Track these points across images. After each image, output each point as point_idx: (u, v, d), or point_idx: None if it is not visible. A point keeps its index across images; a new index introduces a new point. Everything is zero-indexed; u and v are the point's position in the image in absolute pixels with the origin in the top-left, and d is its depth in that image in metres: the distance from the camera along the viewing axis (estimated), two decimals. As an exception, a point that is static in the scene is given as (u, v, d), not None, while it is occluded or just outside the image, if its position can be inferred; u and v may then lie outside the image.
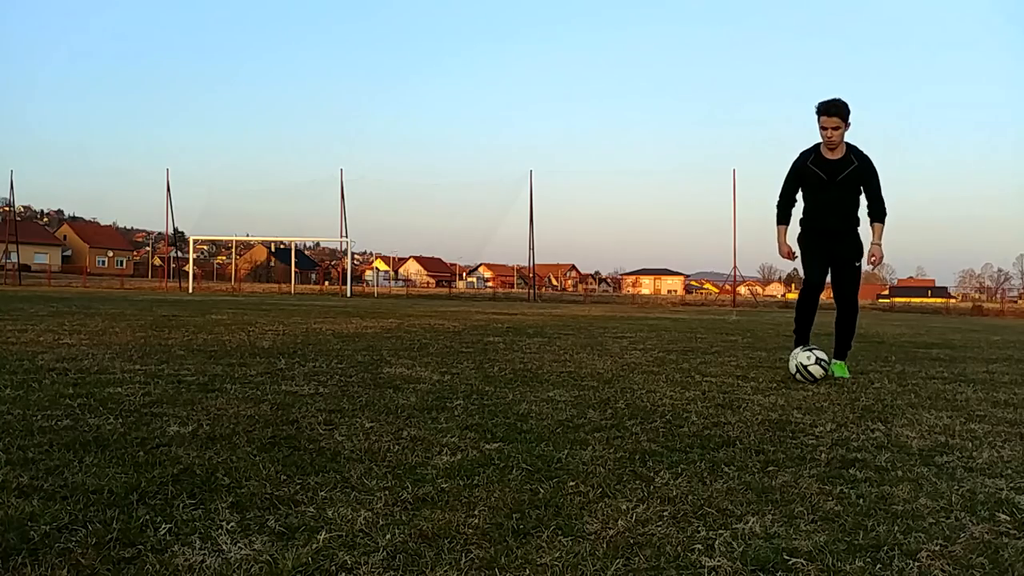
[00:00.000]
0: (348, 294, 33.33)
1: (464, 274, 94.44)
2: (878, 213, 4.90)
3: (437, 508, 1.91)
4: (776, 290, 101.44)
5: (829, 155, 4.83)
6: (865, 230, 4.96)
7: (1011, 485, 2.30)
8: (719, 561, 1.62)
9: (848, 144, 4.85)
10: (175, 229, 42.78)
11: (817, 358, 4.59)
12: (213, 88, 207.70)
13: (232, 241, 52.06)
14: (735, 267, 31.77)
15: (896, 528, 1.86)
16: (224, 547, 1.61)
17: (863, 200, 5.03)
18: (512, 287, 74.91)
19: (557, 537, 1.73)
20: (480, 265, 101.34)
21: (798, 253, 5.06)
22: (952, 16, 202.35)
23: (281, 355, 5.37)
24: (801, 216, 5.06)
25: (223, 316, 10.81)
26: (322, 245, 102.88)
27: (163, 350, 5.50)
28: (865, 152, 4.89)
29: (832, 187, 4.83)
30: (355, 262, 70.00)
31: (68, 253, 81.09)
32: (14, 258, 40.03)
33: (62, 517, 1.73)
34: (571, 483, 2.18)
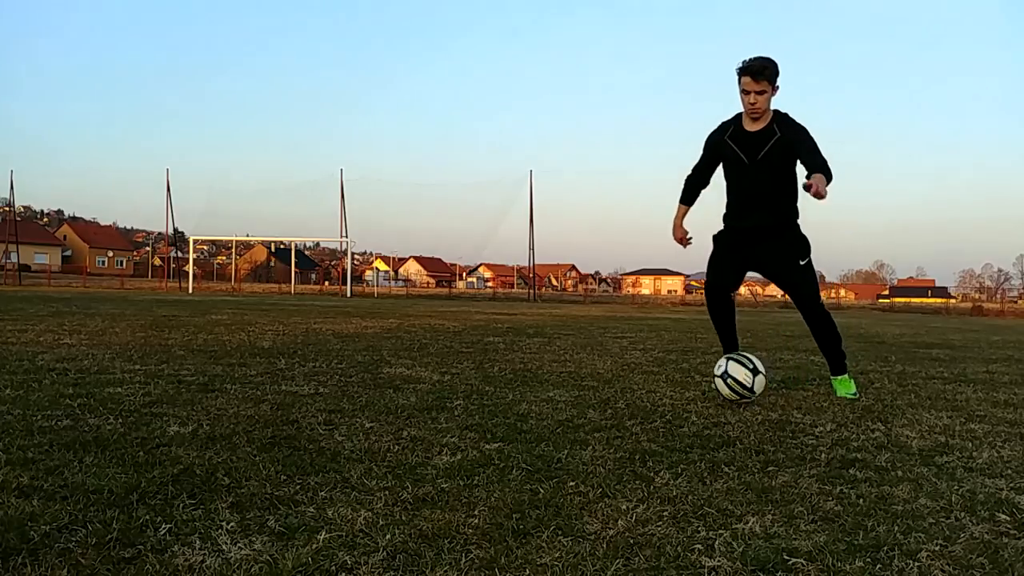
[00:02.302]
0: (348, 294, 33.33)
1: (464, 274, 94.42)
2: (820, 167, 3.74)
3: (437, 508, 1.91)
4: (776, 290, 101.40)
5: (750, 127, 3.87)
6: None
7: (1011, 485, 2.30)
8: (719, 561, 1.62)
9: (774, 111, 3.87)
10: (175, 229, 42.80)
11: (753, 368, 3.66)
12: (213, 88, 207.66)
13: (232, 241, 52.06)
14: (735, 267, 31.71)
15: (896, 528, 1.86)
16: (224, 547, 1.61)
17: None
18: (512, 287, 74.90)
19: (557, 537, 1.73)
20: (480, 265, 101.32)
21: (692, 238, 4.20)
22: (952, 14, 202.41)
23: (281, 355, 5.37)
24: (724, 212, 4.12)
25: (223, 316, 10.81)
26: (322, 245, 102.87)
27: (163, 350, 5.50)
28: (794, 119, 3.88)
29: (752, 169, 3.86)
30: (355, 262, 69.99)
31: (68, 253, 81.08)
32: (14, 258, 40.03)
33: (62, 517, 1.73)
34: (571, 483, 2.18)
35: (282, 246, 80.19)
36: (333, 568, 1.53)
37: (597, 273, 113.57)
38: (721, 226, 4.12)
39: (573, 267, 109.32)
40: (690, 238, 4.18)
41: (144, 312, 11.30)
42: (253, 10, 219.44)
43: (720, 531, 1.80)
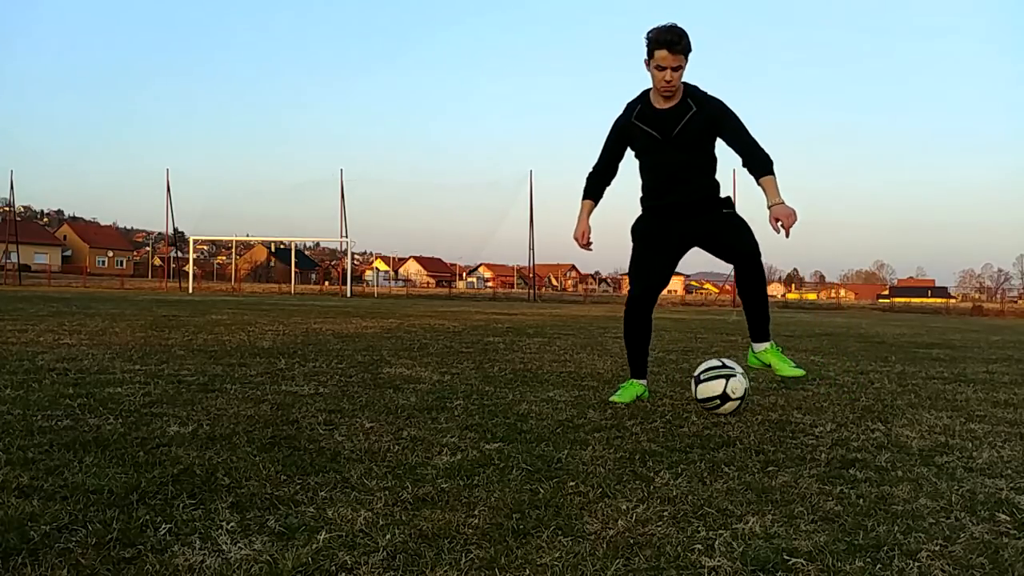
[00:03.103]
0: (348, 294, 33.33)
1: (464, 274, 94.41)
2: (759, 164, 3.40)
3: (437, 508, 1.91)
4: (776, 290, 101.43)
5: (661, 104, 3.43)
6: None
7: (1011, 485, 2.30)
8: (719, 561, 1.62)
9: (686, 85, 3.43)
10: (175, 229, 42.79)
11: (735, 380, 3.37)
12: (213, 88, 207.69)
13: (232, 241, 52.06)
14: (735, 267, 31.71)
15: (896, 528, 1.86)
16: (224, 547, 1.61)
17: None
18: (512, 287, 74.87)
19: (557, 537, 1.73)
20: (480, 265, 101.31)
21: (594, 242, 3.70)
22: (953, 13, 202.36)
23: (281, 355, 5.37)
24: (640, 195, 3.68)
25: (223, 316, 10.81)
26: (322, 245, 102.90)
27: (163, 350, 5.50)
28: (707, 91, 3.49)
29: (668, 146, 3.43)
30: (355, 262, 69.99)
31: (68, 253, 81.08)
32: (14, 258, 40.02)
33: (62, 517, 1.73)
34: (571, 483, 2.18)
35: (282, 246, 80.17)
36: (333, 568, 1.53)
37: (597, 273, 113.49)
38: (634, 222, 3.71)
39: (573, 267, 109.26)
40: (591, 244, 3.66)
41: (144, 312, 11.30)
42: (253, 10, 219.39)
43: (720, 531, 1.80)
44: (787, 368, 3.57)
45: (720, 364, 3.45)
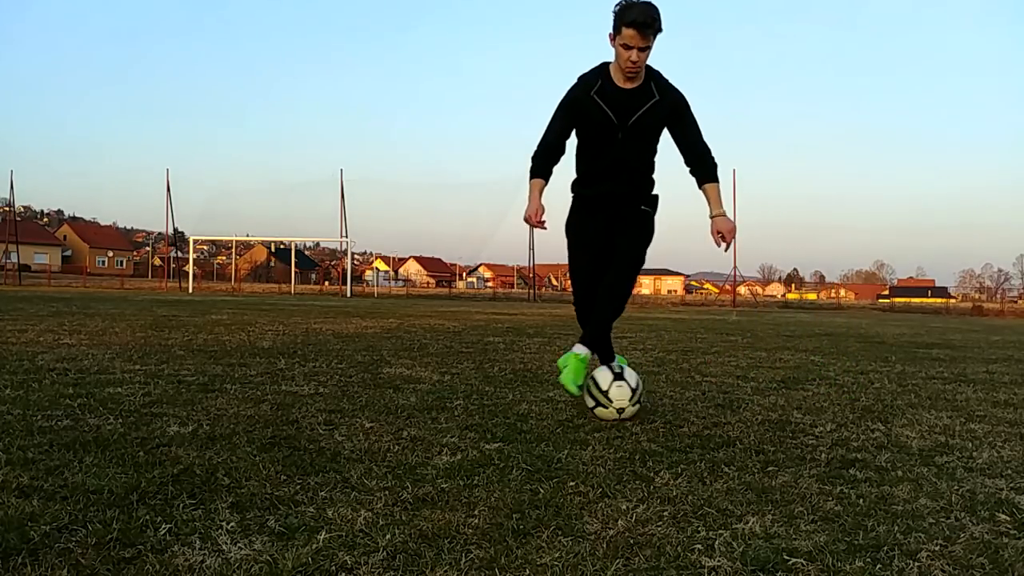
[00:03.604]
0: (348, 294, 33.32)
1: (464, 274, 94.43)
2: (706, 169, 3.25)
3: (437, 508, 1.91)
4: (776, 290, 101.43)
5: (623, 83, 3.16)
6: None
7: (1011, 485, 2.30)
8: (719, 561, 1.62)
9: (649, 69, 3.17)
10: (175, 229, 42.80)
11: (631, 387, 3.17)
12: (213, 88, 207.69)
13: (232, 241, 52.07)
14: (735, 267, 31.78)
15: (896, 528, 1.86)
16: (224, 547, 1.61)
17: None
18: (512, 287, 74.89)
19: (557, 537, 1.73)
20: (480, 265, 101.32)
21: (547, 220, 3.29)
22: (954, 12, 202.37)
23: (281, 355, 5.37)
24: (574, 179, 3.42)
25: (223, 316, 10.81)
26: (322, 245, 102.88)
27: (163, 350, 5.50)
28: (669, 80, 3.23)
29: (622, 133, 3.18)
30: (355, 262, 69.98)
31: (68, 253, 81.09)
32: (14, 258, 40.01)
33: (62, 517, 1.73)
34: (571, 483, 2.18)
35: (282, 246, 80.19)
36: (333, 568, 1.53)
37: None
38: (568, 217, 3.45)
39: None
40: (544, 221, 3.27)
41: (144, 312, 11.30)
42: (253, 11, 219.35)
43: (720, 531, 1.80)
44: (571, 382, 3.20)
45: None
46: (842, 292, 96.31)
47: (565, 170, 3.39)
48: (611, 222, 3.32)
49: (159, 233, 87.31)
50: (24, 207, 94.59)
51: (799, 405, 3.75)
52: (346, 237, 36.23)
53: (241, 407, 3.20)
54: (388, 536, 1.69)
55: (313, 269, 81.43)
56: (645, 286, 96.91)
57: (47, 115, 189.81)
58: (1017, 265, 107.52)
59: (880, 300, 55.71)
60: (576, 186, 3.40)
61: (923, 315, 27.52)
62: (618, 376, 3.17)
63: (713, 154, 3.28)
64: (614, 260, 3.28)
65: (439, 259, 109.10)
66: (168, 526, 1.71)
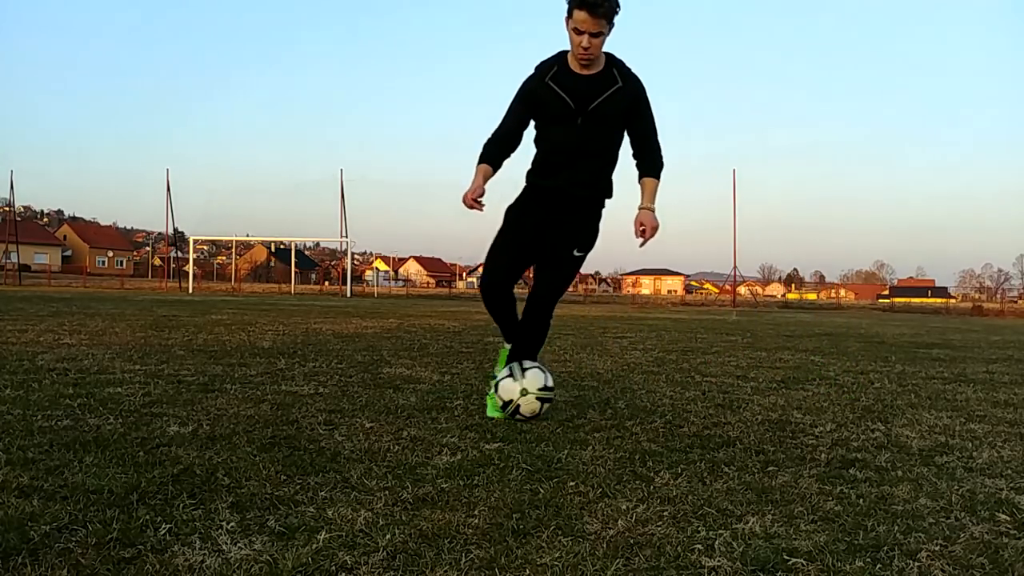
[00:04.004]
0: (348, 294, 33.32)
1: (464, 274, 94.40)
2: (653, 163, 3.17)
3: (437, 508, 1.91)
4: (776, 290, 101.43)
5: (580, 70, 3.06)
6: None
7: (1011, 485, 2.30)
8: (719, 561, 1.62)
9: (608, 55, 3.09)
10: (175, 229, 42.79)
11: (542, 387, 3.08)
12: (213, 88, 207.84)
13: (232, 241, 52.07)
14: (735, 267, 31.78)
15: (896, 528, 1.86)
16: (224, 547, 1.61)
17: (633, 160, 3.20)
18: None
19: (557, 537, 1.73)
20: (480, 265, 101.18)
21: (486, 204, 3.12)
22: (954, 10, 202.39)
23: (281, 355, 5.37)
24: (532, 162, 3.25)
25: (223, 316, 10.81)
26: (322, 245, 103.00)
27: (163, 350, 5.50)
28: (631, 68, 3.13)
29: (581, 120, 3.06)
30: (355, 262, 69.94)
31: (68, 253, 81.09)
32: (14, 258, 40.01)
33: (62, 517, 1.73)
34: (571, 483, 2.18)
35: (282, 246, 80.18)
36: (333, 568, 1.53)
37: (597, 273, 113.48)
38: (514, 201, 3.30)
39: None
40: (482, 203, 3.09)
41: (144, 312, 11.30)
42: (253, 10, 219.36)
43: (720, 531, 1.80)
44: (492, 404, 3.20)
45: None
46: (842, 292, 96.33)
47: (526, 161, 3.28)
48: (552, 233, 3.18)
49: (159, 233, 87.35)
50: (24, 207, 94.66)
51: (799, 405, 3.75)
52: (346, 237, 36.24)
53: (241, 407, 3.20)
54: (388, 536, 1.69)
55: (313, 269, 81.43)
56: (645, 286, 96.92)
57: (47, 115, 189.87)
58: (1017, 265, 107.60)
59: (880, 300, 55.72)
60: (531, 175, 3.24)
61: (923, 315, 27.52)
62: (507, 375, 3.11)
63: (664, 156, 3.21)
64: (535, 303, 3.21)
65: (439, 259, 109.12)
66: (168, 526, 1.71)
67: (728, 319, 16.35)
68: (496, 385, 3.15)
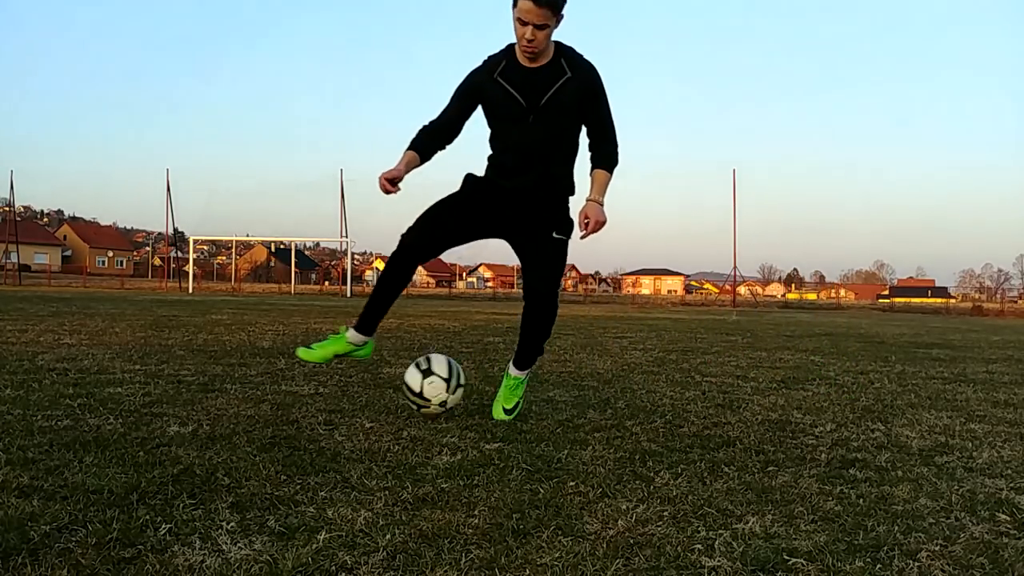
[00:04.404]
0: (348, 294, 33.31)
1: (464, 274, 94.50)
2: (608, 156, 3.02)
3: (437, 508, 1.91)
4: (776, 290, 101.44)
5: (528, 63, 2.89)
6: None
7: (1011, 485, 2.30)
8: (719, 561, 1.62)
9: (558, 45, 2.91)
10: (175, 229, 42.78)
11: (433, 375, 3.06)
12: (213, 87, 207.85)
13: (232, 241, 52.07)
14: (735, 267, 31.78)
15: (896, 528, 1.86)
16: (224, 547, 1.61)
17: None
18: (512, 287, 74.87)
19: (557, 537, 1.73)
20: (480, 265, 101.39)
21: (402, 189, 2.94)
22: (954, 9, 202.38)
23: (281, 355, 5.36)
24: (488, 159, 3.10)
25: (223, 316, 10.81)
26: (322, 245, 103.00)
27: (163, 350, 5.50)
28: (584, 56, 2.98)
29: (532, 116, 2.89)
30: (355, 262, 69.93)
31: (68, 253, 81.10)
32: (14, 258, 40.01)
33: (62, 517, 1.73)
34: (571, 483, 2.18)
35: (282, 246, 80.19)
36: (333, 568, 1.53)
37: (597, 273, 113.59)
38: (472, 175, 3.11)
39: (573, 267, 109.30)
40: (398, 188, 2.91)
41: (144, 312, 11.30)
42: (253, 10, 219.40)
43: (720, 531, 1.80)
44: (498, 406, 3.15)
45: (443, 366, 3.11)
46: (842, 292, 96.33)
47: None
48: (507, 226, 3.06)
49: (159, 233, 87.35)
50: (24, 207, 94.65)
51: (799, 405, 3.75)
52: (346, 237, 36.25)
53: (241, 407, 3.20)
54: (388, 536, 1.69)
55: (313, 269, 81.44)
56: (645, 286, 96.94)
57: (47, 115, 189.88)
58: (1017, 265, 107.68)
59: (880, 300, 55.73)
60: (487, 171, 3.07)
61: (923, 315, 27.51)
62: (426, 373, 3.07)
63: (619, 149, 3.04)
64: (528, 292, 3.04)
65: (439, 259, 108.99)
66: (168, 526, 1.71)
67: (728, 319, 16.35)
68: (408, 384, 3.07)
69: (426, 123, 3.04)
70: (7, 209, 43.54)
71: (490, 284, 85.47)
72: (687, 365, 5.56)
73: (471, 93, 2.98)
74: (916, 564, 1.64)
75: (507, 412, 3.13)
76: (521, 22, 2.74)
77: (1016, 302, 51.16)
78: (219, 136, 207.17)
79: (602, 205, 2.97)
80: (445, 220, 3.02)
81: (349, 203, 35.59)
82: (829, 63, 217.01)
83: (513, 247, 3.13)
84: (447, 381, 3.06)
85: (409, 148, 2.99)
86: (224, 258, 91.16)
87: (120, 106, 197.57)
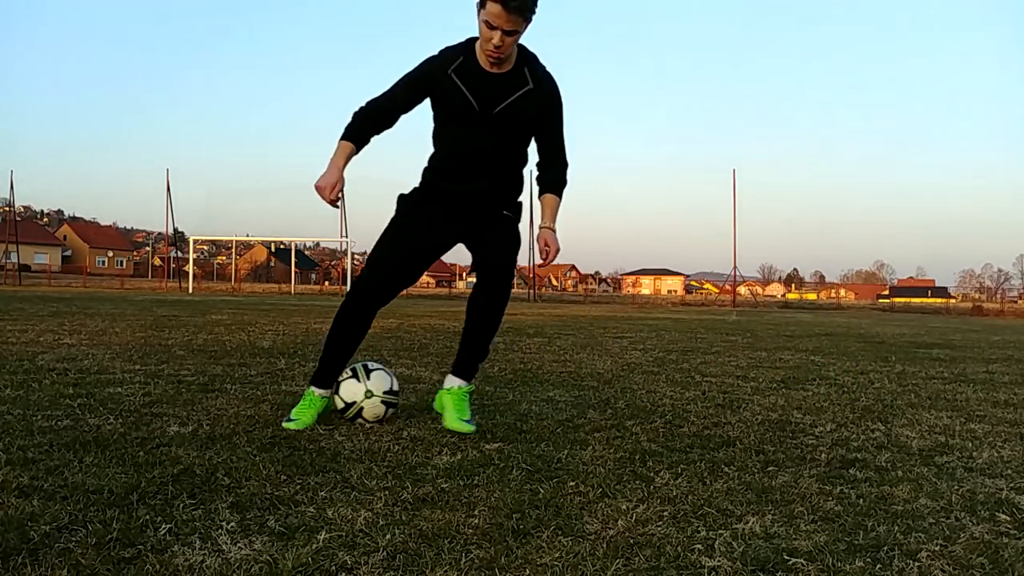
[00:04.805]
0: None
1: (464, 274, 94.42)
2: (558, 179, 2.90)
3: (437, 508, 1.91)
4: (776, 290, 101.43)
5: (488, 67, 2.70)
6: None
7: (1011, 485, 2.30)
8: (719, 561, 1.62)
9: (521, 50, 2.75)
10: (175, 229, 42.80)
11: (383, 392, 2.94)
12: (213, 87, 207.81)
13: (232, 241, 52.08)
14: (735, 267, 31.78)
15: (896, 528, 1.86)
16: (224, 547, 1.61)
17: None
18: (512, 287, 74.81)
19: (557, 537, 1.73)
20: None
21: (343, 198, 2.79)
22: (955, 10, 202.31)
23: (281, 355, 5.36)
24: (429, 161, 2.88)
25: (223, 316, 10.81)
26: (322, 245, 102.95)
27: (163, 350, 5.50)
28: (544, 66, 2.81)
29: (486, 124, 2.71)
30: (355, 262, 69.88)
31: (68, 253, 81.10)
32: (14, 258, 40.01)
33: (62, 517, 1.73)
34: (571, 483, 2.18)
35: (282, 246, 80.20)
36: (333, 568, 1.53)
37: (597, 273, 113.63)
38: (409, 195, 2.90)
39: (573, 267, 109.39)
40: (338, 200, 2.73)
41: (144, 312, 11.30)
42: (254, 10, 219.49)
43: (720, 531, 1.80)
44: (457, 420, 2.82)
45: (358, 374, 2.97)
46: (842, 292, 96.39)
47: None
48: (463, 232, 2.86)
49: (159, 233, 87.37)
50: (24, 207, 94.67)
51: (799, 405, 3.75)
52: (346, 237, 36.25)
53: (241, 407, 3.20)
54: (388, 536, 1.69)
55: (313, 269, 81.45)
56: (645, 286, 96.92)
57: (47, 115, 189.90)
58: (1017, 265, 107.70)
59: (880, 300, 55.74)
60: (431, 175, 2.86)
61: (923, 315, 27.51)
62: (350, 376, 2.96)
63: (568, 167, 2.93)
64: (484, 274, 2.80)
65: (440, 259, 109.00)
66: (168, 526, 1.71)
67: (728, 319, 16.34)
68: (337, 385, 2.94)
69: (364, 106, 2.77)
70: (7, 209, 43.55)
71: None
72: (687, 365, 5.56)
73: (423, 84, 2.74)
74: (916, 564, 1.63)
75: (468, 422, 2.81)
76: (489, 26, 2.55)
77: (1016, 302, 51.17)
78: (220, 136, 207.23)
79: (553, 231, 2.87)
80: (402, 259, 2.82)
81: (349, 203, 35.62)
82: (831, 63, 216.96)
83: (467, 244, 2.90)
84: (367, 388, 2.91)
85: (345, 138, 2.75)
86: (224, 258, 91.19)
87: (120, 105, 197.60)
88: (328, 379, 2.96)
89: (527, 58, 2.75)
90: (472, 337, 2.90)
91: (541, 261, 2.86)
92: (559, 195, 2.91)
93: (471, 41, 2.73)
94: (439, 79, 2.71)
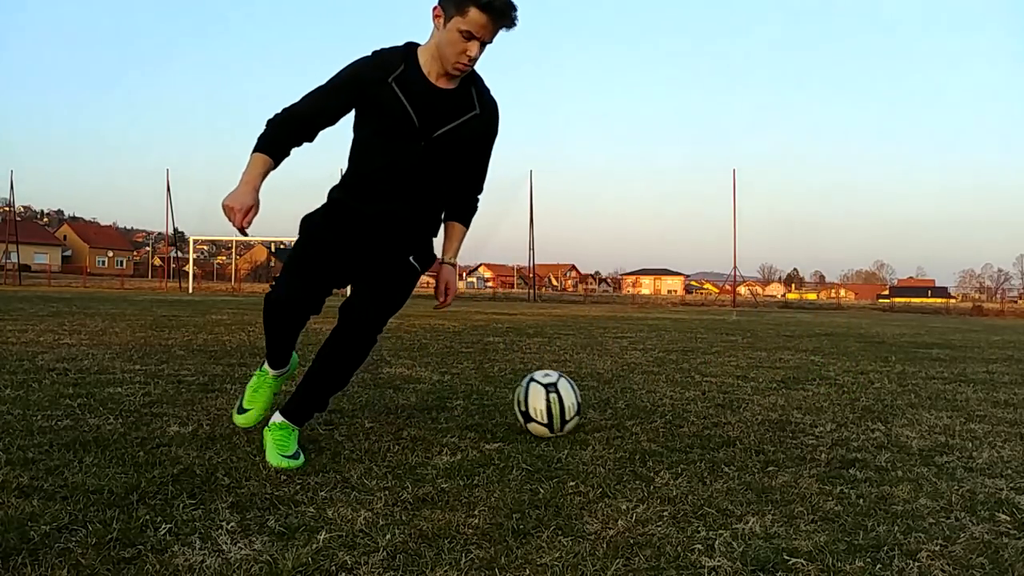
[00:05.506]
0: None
1: (464, 274, 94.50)
2: (467, 210, 2.63)
3: (437, 508, 1.91)
4: (776, 290, 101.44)
5: (438, 80, 2.35)
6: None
7: (1011, 485, 2.30)
8: (719, 561, 1.62)
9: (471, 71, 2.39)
10: (175, 229, 42.79)
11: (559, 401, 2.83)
12: (213, 86, 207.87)
13: (232, 241, 52.11)
14: (735, 267, 31.78)
15: (896, 528, 1.86)
16: (224, 547, 1.61)
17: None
18: (512, 287, 74.86)
19: (557, 537, 1.73)
20: (480, 265, 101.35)
21: (251, 224, 2.28)
22: (954, 9, 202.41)
23: (281, 355, 5.36)
24: (343, 178, 2.48)
25: (223, 316, 10.81)
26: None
27: (163, 350, 5.50)
28: (491, 91, 2.49)
29: (422, 143, 2.35)
30: (355, 262, 69.80)
31: (68, 253, 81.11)
32: (14, 258, 40.01)
33: (62, 517, 1.73)
34: (571, 483, 2.18)
35: (282, 246, 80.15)
36: (333, 568, 1.53)
37: (597, 273, 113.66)
38: (316, 215, 2.50)
39: (573, 267, 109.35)
40: (246, 226, 2.27)
41: (144, 312, 11.30)
42: (254, 11, 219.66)
43: (720, 531, 1.80)
44: (277, 456, 2.31)
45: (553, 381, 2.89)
46: (842, 292, 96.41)
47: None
48: (376, 251, 2.45)
49: (159, 233, 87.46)
50: (24, 207, 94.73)
51: (799, 405, 3.75)
52: (346, 237, 36.17)
53: (241, 407, 3.20)
54: (388, 536, 1.69)
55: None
56: (645, 286, 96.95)
57: (47, 115, 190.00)
58: (1017, 265, 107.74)
59: (880, 300, 55.76)
60: (342, 192, 2.46)
61: (923, 315, 27.51)
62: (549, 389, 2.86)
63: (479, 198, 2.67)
64: (349, 327, 2.42)
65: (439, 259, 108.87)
66: (168, 526, 1.71)
67: (728, 319, 16.35)
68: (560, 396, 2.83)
69: (280, 113, 2.38)
70: (7, 209, 43.54)
71: (490, 284, 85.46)
72: (687, 365, 5.56)
73: (352, 90, 2.35)
74: (916, 564, 1.64)
75: (292, 457, 2.32)
76: (465, 36, 2.24)
77: (1016, 302, 51.19)
78: (219, 135, 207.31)
79: (455, 268, 2.66)
80: (315, 268, 2.43)
81: (349, 203, 35.43)
82: (831, 62, 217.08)
83: (353, 279, 2.53)
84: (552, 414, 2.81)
85: (259, 150, 2.35)
86: (224, 258, 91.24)
87: (121, 105, 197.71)
88: (280, 360, 2.65)
89: (475, 79, 2.44)
90: (312, 384, 2.46)
91: (438, 303, 2.64)
92: (468, 225, 2.65)
93: (412, 47, 2.39)
94: (373, 86, 2.33)
